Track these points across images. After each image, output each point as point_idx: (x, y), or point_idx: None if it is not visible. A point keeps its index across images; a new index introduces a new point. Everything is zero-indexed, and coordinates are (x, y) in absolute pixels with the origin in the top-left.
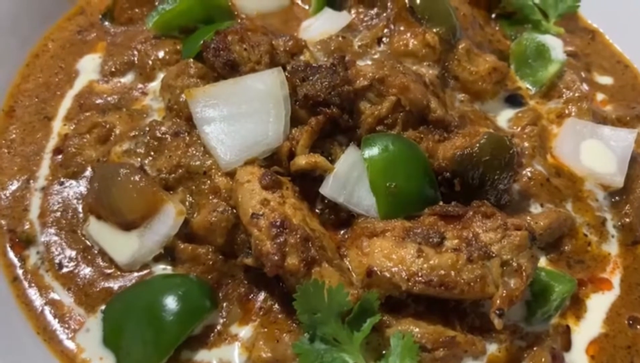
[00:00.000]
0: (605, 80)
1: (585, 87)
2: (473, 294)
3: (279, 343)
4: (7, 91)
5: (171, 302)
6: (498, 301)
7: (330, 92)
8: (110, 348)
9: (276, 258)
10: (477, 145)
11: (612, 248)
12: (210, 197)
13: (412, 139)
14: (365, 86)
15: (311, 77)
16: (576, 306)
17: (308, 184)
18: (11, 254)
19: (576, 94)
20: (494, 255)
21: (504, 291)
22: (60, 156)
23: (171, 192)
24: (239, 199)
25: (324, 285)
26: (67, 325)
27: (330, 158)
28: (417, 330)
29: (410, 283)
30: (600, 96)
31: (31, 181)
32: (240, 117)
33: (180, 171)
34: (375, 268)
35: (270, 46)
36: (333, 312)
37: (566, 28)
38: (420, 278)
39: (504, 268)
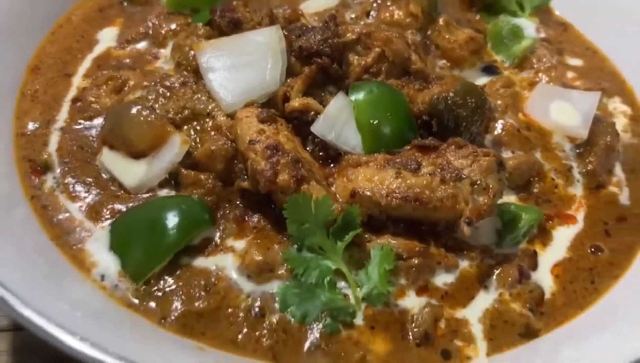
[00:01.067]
0: (576, 62)
1: (555, 62)
2: (446, 210)
3: (269, 251)
4: (33, 51)
5: (173, 214)
6: (467, 213)
7: (322, 44)
8: (116, 253)
9: (269, 174)
10: (452, 90)
11: (577, 190)
12: (212, 133)
13: (395, 86)
14: (353, 40)
15: (306, 34)
16: (543, 235)
17: (301, 126)
18: (32, 177)
19: (547, 65)
20: (464, 177)
21: (473, 206)
22: (78, 103)
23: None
24: (238, 131)
25: (312, 197)
26: (77, 235)
27: (322, 105)
28: (394, 242)
29: (388, 199)
30: (570, 74)
31: (51, 122)
32: (242, 66)
33: (186, 112)
34: (358, 189)
35: (270, 11)
36: (319, 223)
37: (540, 20)
38: (397, 194)
39: (474, 187)
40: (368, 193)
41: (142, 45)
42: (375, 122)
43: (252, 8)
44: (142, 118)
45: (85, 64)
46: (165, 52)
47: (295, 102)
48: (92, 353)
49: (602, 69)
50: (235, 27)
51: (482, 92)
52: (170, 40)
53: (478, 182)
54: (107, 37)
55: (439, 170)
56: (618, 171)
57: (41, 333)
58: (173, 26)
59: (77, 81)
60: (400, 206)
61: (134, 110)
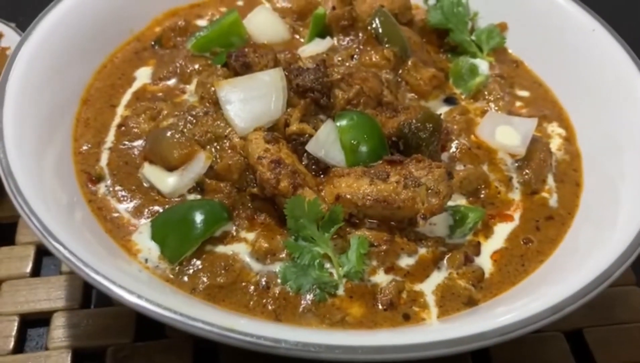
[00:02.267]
0: (523, 93)
1: (503, 94)
2: (407, 209)
3: (273, 240)
4: (84, 87)
5: (200, 213)
6: (422, 211)
7: (314, 82)
8: (156, 242)
9: (273, 182)
10: (415, 118)
11: (515, 196)
12: (229, 151)
13: (371, 115)
14: (338, 79)
15: (302, 74)
16: (486, 230)
17: (298, 146)
18: (88, 185)
19: (496, 96)
20: (422, 183)
21: (427, 205)
22: (122, 128)
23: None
24: (249, 150)
25: (305, 199)
26: (126, 229)
27: (314, 129)
28: (368, 233)
29: (364, 200)
30: (518, 103)
31: (101, 143)
32: (252, 99)
33: (209, 135)
34: (341, 193)
35: (274, 56)
36: (311, 219)
37: (496, 59)
38: (370, 197)
39: (428, 191)
40: (349, 196)
41: (171, 82)
42: (355, 143)
43: (260, 53)
44: (174, 140)
45: (127, 97)
46: (191, 87)
47: (294, 127)
48: (147, 305)
49: (545, 98)
50: (247, 68)
51: (439, 119)
52: (195, 78)
53: (432, 188)
54: (143, 75)
55: (402, 179)
56: (550, 181)
57: (108, 292)
58: (197, 66)
59: (121, 111)
60: (373, 206)
61: (168, 133)
